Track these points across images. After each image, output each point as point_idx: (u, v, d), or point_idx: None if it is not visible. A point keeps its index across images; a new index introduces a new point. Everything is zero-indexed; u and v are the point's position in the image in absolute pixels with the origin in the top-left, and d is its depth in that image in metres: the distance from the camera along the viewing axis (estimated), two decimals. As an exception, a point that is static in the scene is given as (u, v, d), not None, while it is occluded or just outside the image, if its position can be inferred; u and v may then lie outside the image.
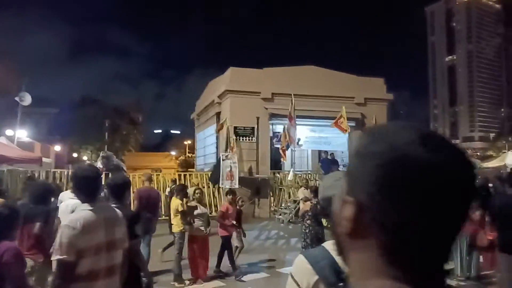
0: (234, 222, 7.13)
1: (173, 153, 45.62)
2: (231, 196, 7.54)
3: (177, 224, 6.63)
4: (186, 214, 6.53)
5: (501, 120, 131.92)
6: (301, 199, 8.80)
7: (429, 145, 0.53)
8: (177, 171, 19.48)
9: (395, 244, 0.54)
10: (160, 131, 71.21)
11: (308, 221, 6.35)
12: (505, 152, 25.11)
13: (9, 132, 16.34)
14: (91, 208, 2.50)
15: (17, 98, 13.71)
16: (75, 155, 38.82)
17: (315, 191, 6.52)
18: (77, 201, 3.00)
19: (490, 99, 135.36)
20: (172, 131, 63.54)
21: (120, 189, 3.47)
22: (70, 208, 4.52)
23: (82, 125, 36.73)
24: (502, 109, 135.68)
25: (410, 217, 0.53)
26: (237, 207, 7.52)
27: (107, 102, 42.75)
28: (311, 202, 6.44)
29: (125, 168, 14.80)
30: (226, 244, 6.94)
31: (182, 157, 41.60)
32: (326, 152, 15.38)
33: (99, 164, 14.12)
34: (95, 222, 2.45)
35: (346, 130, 13.84)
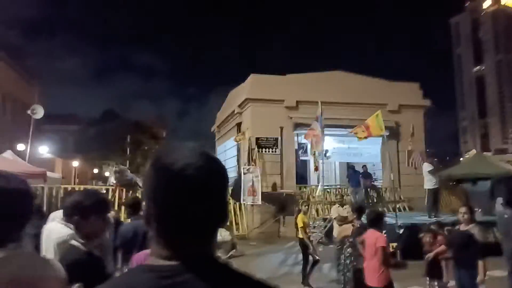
0: None
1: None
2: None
3: None
4: None
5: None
6: (334, 218, 7.44)
7: (193, 160, 0.80)
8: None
9: (159, 230, 0.80)
10: (183, 147, 71.04)
11: (349, 249, 5.03)
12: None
13: (20, 146, 15.71)
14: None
15: (29, 111, 13.05)
16: (96, 171, 38.62)
17: (358, 210, 5.22)
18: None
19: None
20: (195, 146, 63.34)
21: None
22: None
23: (104, 141, 36.56)
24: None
25: (165, 209, 0.79)
26: None
27: (129, 118, 42.77)
28: (353, 225, 5.12)
29: (140, 184, 13.81)
30: None
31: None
32: (353, 166, 13.91)
33: (112, 180, 13.22)
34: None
35: (364, 136, 11.80)
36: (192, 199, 0.78)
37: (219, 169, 0.84)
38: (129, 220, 4.26)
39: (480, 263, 4.47)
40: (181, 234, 0.79)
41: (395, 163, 15.27)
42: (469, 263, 4.51)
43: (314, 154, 12.90)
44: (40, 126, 39.76)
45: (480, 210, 14.24)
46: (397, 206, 13.87)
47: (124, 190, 13.10)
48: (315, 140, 12.05)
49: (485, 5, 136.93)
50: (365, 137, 11.55)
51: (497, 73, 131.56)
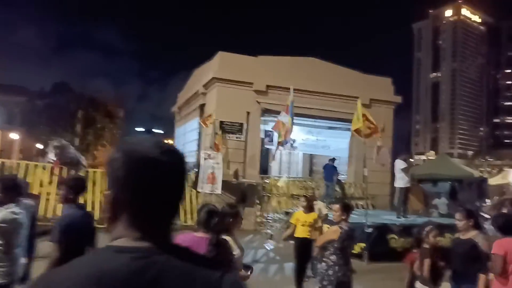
0: None
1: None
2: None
3: None
4: None
5: (479, 139, 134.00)
6: (319, 218, 6.55)
7: (160, 149, 0.86)
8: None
9: (131, 214, 0.84)
10: (142, 129, 67.82)
11: (333, 257, 4.17)
12: (506, 170, 23.74)
13: None
14: None
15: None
16: (42, 146, 35.60)
17: (347, 208, 4.35)
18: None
19: (471, 117, 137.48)
20: (155, 130, 60.52)
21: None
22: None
23: (52, 115, 33.69)
24: (481, 128, 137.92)
25: (139, 195, 0.84)
26: None
27: (82, 92, 39.75)
28: (340, 227, 4.24)
29: (84, 162, 12.29)
30: None
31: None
32: (333, 158, 13.21)
33: (51, 156, 11.60)
34: None
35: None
36: (165, 185, 0.86)
37: (183, 158, 0.92)
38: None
39: (482, 276, 3.79)
40: (153, 217, 0.86)
41: (361, 158, 14.82)
42: (472, 277, 3.81)
43: (281, 143, 11.97)
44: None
45: (435, 210, 14.31)
46: (361, 203, 13.42)
47: (67, 168, 11.54)
48: (284, 130, 11.14)
49: (447, 13, 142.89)
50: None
51: (452, 81, 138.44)
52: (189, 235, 2.75)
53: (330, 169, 12.50)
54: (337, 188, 13.04)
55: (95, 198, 11.30)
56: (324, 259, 4.21)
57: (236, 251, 3.05)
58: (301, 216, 6.17)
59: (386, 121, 14.89)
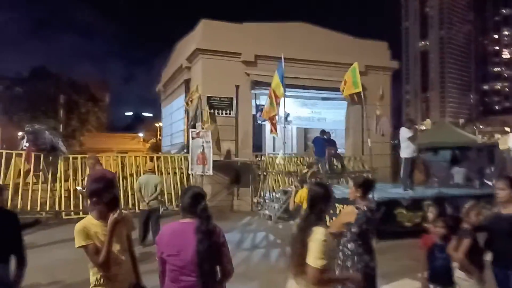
0: None
1: (141, 135, 41.86)
2: None
3: None
4: None
5: (470, 106, 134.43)
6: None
7: None
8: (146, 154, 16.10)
9: None
10: (131, 113, 65.84)
11: (351, 245, 3.38)
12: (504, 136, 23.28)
13: None
14: None
15: None
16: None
17: (364, 185, 3.52)
18: None
19: (460, 85, 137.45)
20: (144, 114, 58.78)
21: None
22: None
23: (32, 101, 32.19)
24: (471, 96, 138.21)
25: None
26: None
27: (63, 77, 37.99)
28: (356, 207, 3.43)
29: (63, 149, 11.27)
30: None
31: (153, 140, 37.97)
32: (323, 131, 12.38)
33: (24, 143, 10.57)
34: None
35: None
36: None
37: None
38: None
39: None
40: None
41: (359, 129, 14.05)
42: None
43: (273, 118, 11.02)
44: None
45: (437, 180, 13.72)
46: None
47: (43, 155, 10.56)
48: (276, 102, 10.19)
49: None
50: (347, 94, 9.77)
51: (440, 49, 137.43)
52: (173, 224, 2.44)
53: (321, 143, 11.69)
54: (336, 163, 12.27)
55: (76, 185, 10.44)
56: (340, 247, 3.41)
57: None
58: (306, 193, 5.34)
59: (384, 88, 14.06)
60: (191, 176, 11.47)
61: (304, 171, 5.63)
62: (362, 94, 8.83)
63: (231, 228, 8.77)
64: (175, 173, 11.94)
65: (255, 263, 6.53)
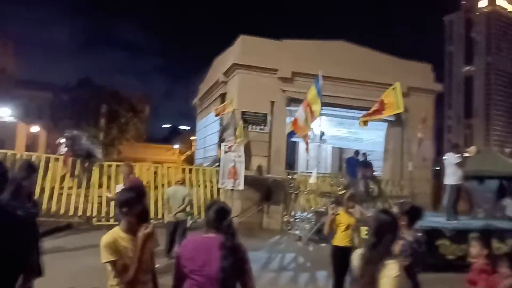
0: None
1: (177, 147, 42.69)
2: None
3: None
4: None
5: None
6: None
7: None
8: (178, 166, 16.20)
9: None
10: (169, 125, 67.69)
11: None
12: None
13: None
14: None
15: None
16: (65, 141, 35.71)
17: (412, 213, 3.15)
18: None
19: (506, 113, 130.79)
20: (181, 127, 60.14)
21: None
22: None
23: (76, 109, 33.74)
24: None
25: None
26: None
27: (107, 88, 39.75)
28: (403, 237, 3.06)
29: (99, 156, 11.52)
30: None
31: (188, 152, 38.63)
32: (357, 151, 11.89)
33: (62, 148, 10.90)
34: None
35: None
36: None
37: None
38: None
39: None
40: None
41: (399, 152, 13.42)
42: None
43: (306, 136, 10.65)
44: (15, 91, 36.73)
45: (481, 210, 12.74)
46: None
47: (79, 161, 10.82)
48: (310, 117, 9.85)
49: (481, 4, 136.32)
50: (366, 122, 9.48)
51: (486, 75, 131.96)
52: (197, 237, 2.42)
53: (354, 164, 11.19)
54: (372, 186, 11.71)
55: (110, 191, 10.55)
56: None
57: None
58: (344, 218, 4.97)
59: (427, 111, 13.45)
60: (221, 191, 11.32)
61: (340, 192, 5.26)
62: (404, 116, 8.37)
63: (259, 247, 8.45)
64: (205, 186, 11.84)
65: (282, 287, 6.17)
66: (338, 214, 4.94)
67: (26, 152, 11.78)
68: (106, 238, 2.39)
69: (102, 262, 2.35)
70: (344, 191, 5.14)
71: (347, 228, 4.88)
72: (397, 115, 11.53)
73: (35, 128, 28.22)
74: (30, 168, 5.56)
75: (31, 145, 28.35)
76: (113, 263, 2.32)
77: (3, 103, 28.32)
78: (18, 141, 25.08)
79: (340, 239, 4.88)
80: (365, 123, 9.42)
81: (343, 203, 5.06)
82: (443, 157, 8.49)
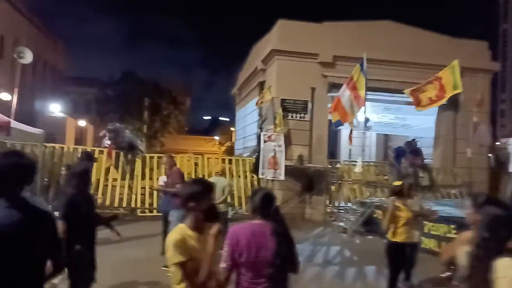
0: None
1: (217, 138, 43.13)
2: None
3: None
4: None
5: None
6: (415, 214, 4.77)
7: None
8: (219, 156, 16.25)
9: None
10: (209, 117, 68.69)
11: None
12: None
13: (5, 96, 13.68)
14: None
15: (15, 55, 10.93)
16: (112, 134, 37.10)
17: (482, 203, 2.69)
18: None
19: None
20: (221, 118, 60.72)
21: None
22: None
23: (121, 103, 34.88)
24: None
25: None
26: None
27: (149, 81, 40.75)
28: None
29: (142, 148, 11.68)
30: None
31: (228, 143, 38.96)
32: (409, 142, 11.15)
33: (106, 140, 11.13)
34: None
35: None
36: None
37: None
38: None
39: None
40: None
41: (451, 138, 12.48)
42: None
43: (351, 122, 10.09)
44: (65, 88, 38.76)
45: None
46: (454, 192, 11.24)
47: (122, 153, 11.01)
48: (356, 102, 9.28)
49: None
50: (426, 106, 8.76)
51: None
52: (245, 224, 2.41)
53: (401, 152, 10.52)
54: (422, 175, 10.96)
55: (153, 183, 10.66)
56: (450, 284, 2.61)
57: None
58: (403, 211, 4.53)
59: (483, 93, 12.32)
60: (262, 181, 11.09)
61: (396, 183, 4.79)
62: (461, 97, 7.64)
63: (302, 239, 8.14)
64: (246, 176, 11.66)
65: (328, 282, 5.84)
66: (399, 208, 4.52)
67: (72, 146, 12.14)
68: (173, 235, 2.18)
69: (171, 264, 2.12)
70: (400, 182, 4.66)
71: (406, 222, 4.46)
72: (450, 98, 10.64)
73: (82, 123, 29.58)
74: (88, 158, 5.90)
75: (79, 139, 29.72)
76: (182, 264, 2.09)
77: (54, 99, 29.86)
78: (67, 135, 26.36)
79: (399, 234, 4.47)
80: (423, 107, 8.73)
81: (402, 194, 4.61)
82: (508, 143, 7.66)
